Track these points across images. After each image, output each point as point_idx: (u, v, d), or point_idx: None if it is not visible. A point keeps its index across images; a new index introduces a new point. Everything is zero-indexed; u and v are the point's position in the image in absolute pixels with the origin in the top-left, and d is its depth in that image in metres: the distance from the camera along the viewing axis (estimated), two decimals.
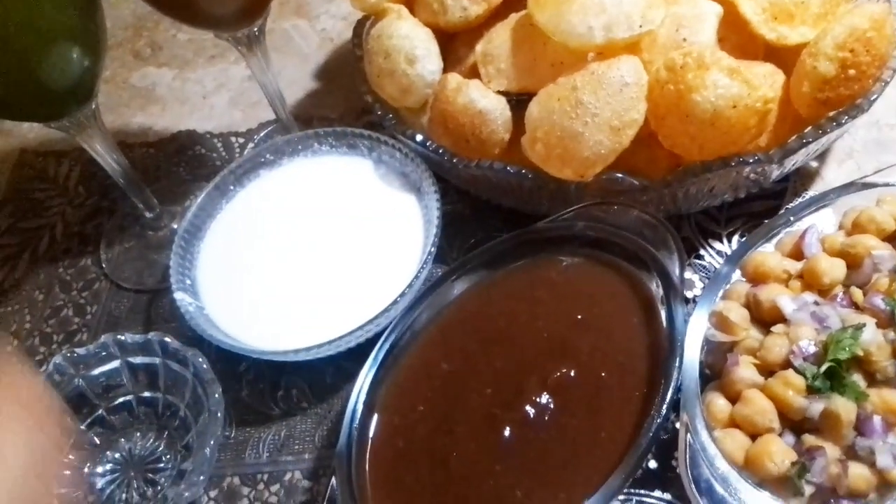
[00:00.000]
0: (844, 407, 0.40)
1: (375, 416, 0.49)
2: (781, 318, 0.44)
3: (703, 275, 0.57)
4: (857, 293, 0.44)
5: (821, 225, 0.50)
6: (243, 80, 0.82)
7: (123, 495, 0.54)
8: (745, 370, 0.44)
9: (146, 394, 0.57)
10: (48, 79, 0.52)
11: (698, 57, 0.47)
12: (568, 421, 0.46)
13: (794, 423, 0.42)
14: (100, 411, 0.57)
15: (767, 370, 0.43)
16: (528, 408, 0.46)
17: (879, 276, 0.45)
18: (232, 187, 0.63)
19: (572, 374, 0.47)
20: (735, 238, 0.58)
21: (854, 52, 0.48)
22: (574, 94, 0.50)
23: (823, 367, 0.41)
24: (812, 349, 0.42)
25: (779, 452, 0.41)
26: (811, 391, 0.41)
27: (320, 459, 0.54)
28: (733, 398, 0.44)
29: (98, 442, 0.57)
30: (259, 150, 0.64)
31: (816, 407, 0.41)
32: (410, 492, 0.46)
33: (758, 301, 0.46)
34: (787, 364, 0.43)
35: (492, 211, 0.62)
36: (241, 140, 0.76)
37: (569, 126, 0.50)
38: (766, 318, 0.45)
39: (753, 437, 0.42)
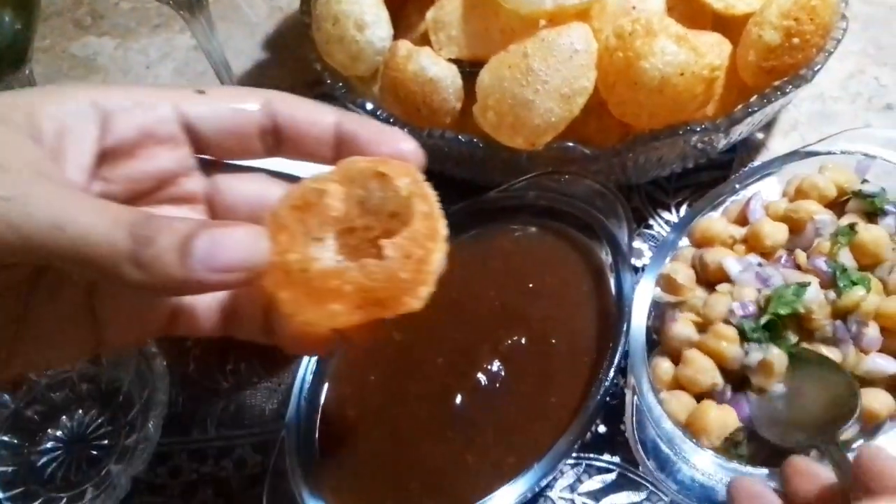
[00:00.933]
0: (779, 358, 0.41)
1: (325, 387, 0.48)
2: (727, 280, 0.45)
3: (652, 244, 0.58)
4: (801, 255, 0.45)
5: (765, 193, 0.51)
6: (188, 49, 0.79)
7: (66, 473, 0.53)
8: (682, 327, 0.44)
9: (88, 369, 0.56)
10: None
11: (647, 24, 0.47)
12: (519, 387, 0.46)
13: (737, 380, 0.43)
14: (39, 388, 0.55)
15: (708, 328, 0.44)
16: (479, 375, 0.46)
17: (821, 240, 0.46)
18: None
19: (523, 341, 0.47)
20: (683, 208, 0.59)
21: (798, 20, 0.49)
22: (525, 61, 0.49)
23: (763, 320, 0.42)
24: (752, 308, 0.43)
25: (714, 425, 0.42)
26: (749, 341, 0.42)
27: (271, 433, 0.53)
28: (674, 358, 0.44)
29: (37, 419, 0.55)
30: None
31: (754, 356, 0.42)
32: (360, 460, 0.45)
33: (704, 263, 0.46)
34: (728, 321, 0.43)
35: (445, 182, 0.61)
36: None
37: (520, 93, 0.50)
38: (711, 280, 0.46)
39: (698, 396, 0.43)
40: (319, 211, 0.32)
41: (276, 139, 0.36)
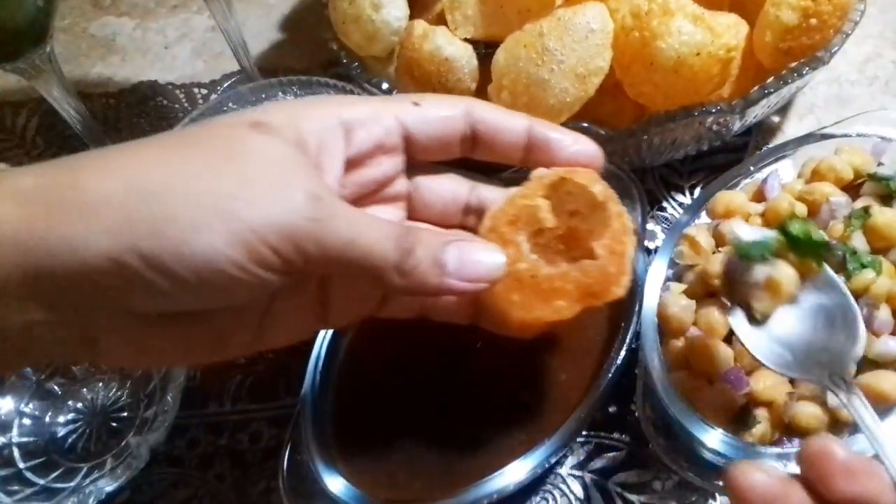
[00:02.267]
0: (788, 275, 0.38)
1: (340, 361, 0.49)
2: None
3: (665, 226, 0.58)
4: None
5: (781, 175, 0.51)
6: (206, 30, 0.80)
7: (86, 444, 0.54)
8: (673, 297, 0.45)
9: None
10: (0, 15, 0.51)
11: (663, 4, 0.47)
12: (530, 364, 0.46)
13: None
14: None
15: (706, 290, 0.45)
16: (491, 351, 0.46)
17: (835, 222, 0.45)
18: None
19: (541, 333, 0.47)
20: (697, 190, 0.59)
21: (816, 1, 0.49)
22: (540, 40, 0.49)
23: (771, 234, 0.39)
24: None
25: (720, 410, 0.42)
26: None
27: (286, 407, 0.54)
28: (669, 329, 0.45)
29: (59, 392, 0.56)
30: (221, 99, 0.63)
31: (759, 273, 0.38)
32: (374, 433, 0.46)
33: (719, 234, 0.46)
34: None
35: (457, 161, 0.61)
36: (204, 91, 0.75)
37: (535, 73, 0.50)
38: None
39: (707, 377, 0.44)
40: (528, 221, 0.38)
41: (473, 143, 0.40)
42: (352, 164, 0.38)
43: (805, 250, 0.38)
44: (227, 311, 0.34)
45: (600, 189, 0.38)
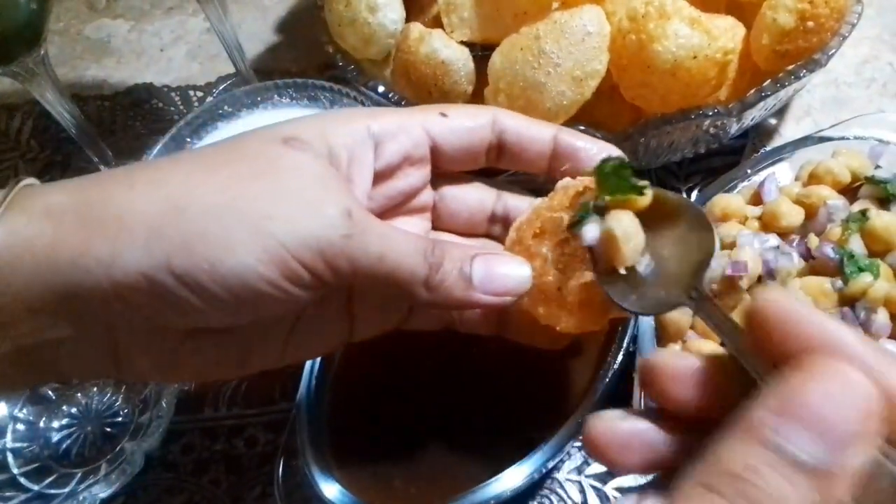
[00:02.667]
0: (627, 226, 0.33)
1: (335, 366, 0.49)
2: None
3: None
4: (814, 240, 0.45)
5: (778, 178, 0.51)
6: (202, 32, 0.79)
7: (80, 449, 0.54)
8: None
9: None
10: None
11: (660, 6, 0.47)
12: (526, 368, 0.46)
13: None
14: None
15: None
16: (488, 355, 0.46)
17: (833, 225, 0.45)
18: (189, 139, 0.62)
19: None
20: (694, 193, 0.59)
21: (813, 3, 0.48)
22: (537, 43, 0.49)
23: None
24: (744, 267, 0.43)
25: None
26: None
27: (282, 412, 0.54)
28: (666, 335, 0.45)
29: (53, 397, 0.56)
30: (217, 102, 0.63)
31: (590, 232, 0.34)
32: (370, 439, 0.46)
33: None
34: (723, 281, 0.44)
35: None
36: (200, 94, 0.74)
37: (531, 76, 0.50)
38: None
39: None
40: (554, 233, 0.37)
41: (499, 152, 0.40)
42: (380, 176, 0.37)
43: (619, 185, 0.34)
44: (255, 326, 0.34)
45: None
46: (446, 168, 0.40)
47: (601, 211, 0.35)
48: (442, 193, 0.41)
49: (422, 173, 0.39)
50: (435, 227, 0.42)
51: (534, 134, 0.39)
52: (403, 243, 0.33)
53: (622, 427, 0.27)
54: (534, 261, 0.36)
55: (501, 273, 0.35)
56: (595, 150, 0.39)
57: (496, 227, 0.42)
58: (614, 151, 0.39)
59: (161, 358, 0.33)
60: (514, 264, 0.35)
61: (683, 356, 0.27)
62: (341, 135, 0.35)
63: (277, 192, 0.31)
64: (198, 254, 0.29)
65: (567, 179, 0.38)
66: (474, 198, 0.42)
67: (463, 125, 0.39)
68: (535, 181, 0.53)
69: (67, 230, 0.29)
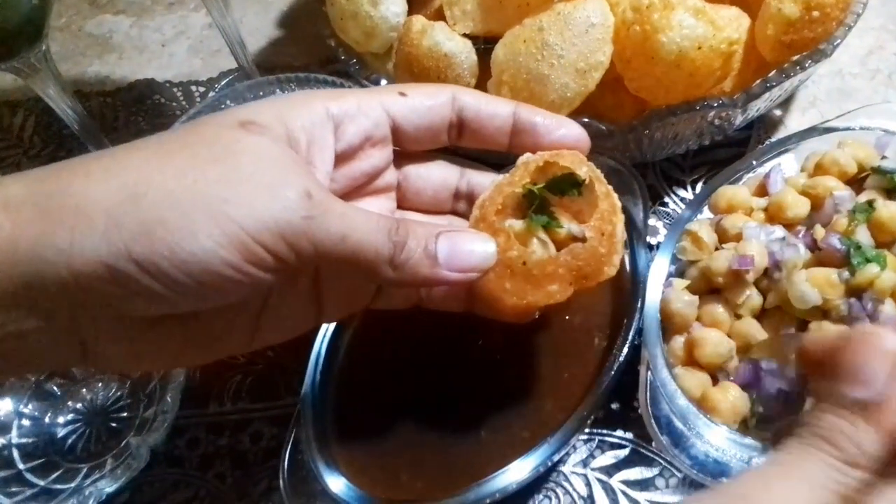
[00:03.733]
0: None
1: (340, 360, 0.49)
2: None
3: (667, 221, 0.57)
4: (820, 231, 0.45)
5: (783, 169, 0.50)
6: (203, 27, 0.79)
7: (86, 444, 0.54)
8: (675, 292, 0.45)
9: None
10: None
11: None
12: (532, 362, 0.46)
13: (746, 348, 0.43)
14: None
15: (709, 287, 0.44)
16: (492, 348, 0.46)
17: (839, 216, 0.45)
18: None
19: (537, 315, 0.47)
20: (699, 185, 0.59)
21: None
22: (540, 35, 0.49)
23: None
24: (751, 261, 0.43)
25: (728, 405, 0.42)
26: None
27: (286, 406, 0.54)
28: (671, 324, 0.44)
29: (58, 392, 0.56)
30: (219, 97, 0.63)
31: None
32: (375, 433, 0.46)
33: (723, 229, 0.46)
34: (728, 274, 0.43)
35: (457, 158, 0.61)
36: (202, 89, 0.74)
37: (535, 68, 0.49)
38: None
39: (711, 373, 0.43)
40: (516, 208, 0.38)
41: (460, 130, 0.40)
42: (341, 157, 0.38)
43: (560, 185, 0.39)
44: (221, 311, 0.34)
45: (586, 170, 0.38)
46: (408, 148, 0.41)
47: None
48: (406, 172, 0.42)
49: (383, 153, 0.40)
50: (400, 207, 0.42)
51: (493, 110, 0.40)
52: (366, 223, 0.33)
53: None
54: (498, 236, 0.37)
55: (466, 250, 0.35)
56: (554, 124, 0.40)
57: (461, 204, 0.43)
58: (573, 126, 0.40)
59: (128, 346, 0.33)
60: (478, 241, 0.36)
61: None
62: (299, 117, 0.35)
63: (235, 176, 0.31)
64: (157, 240, 0.29)
65: (527, 155, 0.39)
66: (438, 175, 0.42)
67: (423, 104, 0.39)
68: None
69: (25, 221, 0.29)
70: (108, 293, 0.29)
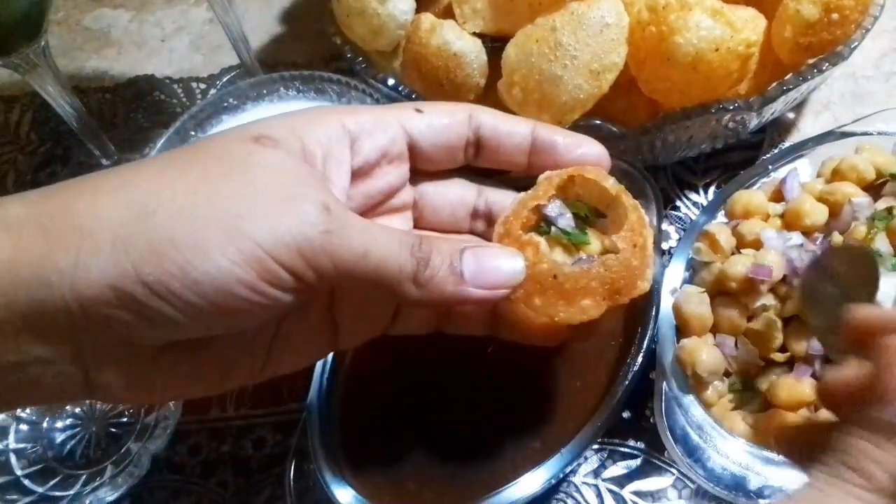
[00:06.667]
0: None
1: (346, 366, 0.48)
2: None
3: (679, 226, 0.56)
4: (838, 238, 0.44)
5: (799, 174, 0.50)
6: (204, 23, 0.78)
7: (85, 450, 0.52)
8: (690, 297, 0.44)
9: None
10: None
11: None
12: (544, 370, 0.45)
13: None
14: None
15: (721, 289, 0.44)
16: (503, 357, 0.45)
17: (857, 223, 0.44)
18: (193, 133, 0.60)
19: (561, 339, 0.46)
20: (711, 189, 0.58)
21: None
22: (553, 35, 0.48)
23: None
24: (768, 272, 0.42)
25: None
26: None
27: (290, 413, 0.53)
28: (689, 331, 0.44)
29: None
30: (221, 94, 0.62)
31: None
32: (382, 441, 0.45)
33: (739, 234, 0.45)
34: (744, 281, 0.43)
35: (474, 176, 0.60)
36: (203, 86, 0.73)
37: (547, 69, 0.48)
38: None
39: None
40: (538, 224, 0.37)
41: (477, 149, 0.39)
42: (357, 174, 0.36)
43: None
44: (234, 338, 0.33)
45: (612, 183, 0.37)
46: (425, 167, 0.39)
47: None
48: (422, 191, 0.40)
49: (400, 171, 0.38)
50: (417, 227, 0.41)
51: (511, 128, 0.39)
52: (388, 238, 0.32)
53: None
54: (525, 250, 0.35)
55: (493, 265, 0.34)
56: (574, 144, 0.39)
57: (478, 224, 0.41)
58: (593, 145, 0.39)
59: (135, 377, 0.31)
60: (505, 255, 0.34)
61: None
62: (314, 131, 0.34)
63: (249, 191, 0.30)
64: (168, 259, 0.28)
65: (549, 172, 0.38)
66: (456, 194, 0.41)
67: (440, 121, 0.38)
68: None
69: (27, 243, 0.27)
70: (115, 318, 0.28)
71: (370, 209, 0.38)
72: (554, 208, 0.37)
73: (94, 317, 0.28)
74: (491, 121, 0.39)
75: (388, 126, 0.37)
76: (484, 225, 0.41)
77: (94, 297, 0.27)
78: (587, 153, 0.38)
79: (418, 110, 0.38)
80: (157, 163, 0.32)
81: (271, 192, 0.30)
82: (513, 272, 0.34)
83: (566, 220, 0.37)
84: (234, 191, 0.30)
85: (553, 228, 0.37)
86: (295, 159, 0.32)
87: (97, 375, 0.30)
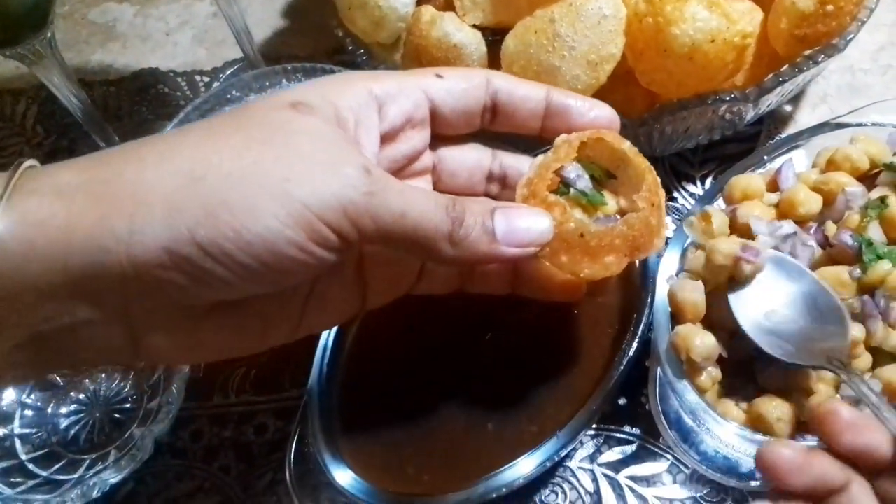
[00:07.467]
0: None
1: (346, 352, 0.48)
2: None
3: (676, 216, 0.57)
4: (832, 227, 0.44)
5: (795, 164, 0.50)
6: (208, 16, 0.79)
7: (89, 435, 0.53)
8: (685, 282, 0.44)
9: None
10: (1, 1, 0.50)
11: None
12: (540, 356, 0.46)
13: None
14: None
15: (713, 278, 0.44)
16: (500, 342, 0.46)
17: (851, 212, 0.45)
18: None
19: (545, 310, 0.47)
20: (708, 181, 0.58)
21: None
22: (552, 26, 0.48)
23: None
24: (755, 256, 0.42)
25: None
26: None
27: (292, 399, 0.53)
28: (683, 318, 0.44)
29: (61, 382, 0.56)
30: (225, 86, 0.62)
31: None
32: (382, 426, 0.45)
33: (735, 217, 0.46)
34: (734, 261, 0.42)
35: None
36: (206, 79, 0.74)
37: (546, 60, 0.49)
38: (740, 236, 0.45)
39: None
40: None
41: (494, 113, 0.40)
42: (384, 139, 0.37)
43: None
44: (273, 298, 0.34)
45: (628, 146, 0.39)
46: (444, 131, 0.40)
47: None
48: (441, 155, 0.41)
49: (423, 135, 0.39)
50: (436, 188, 0.42)
51: (526, 93, 0.40)
52: (424, 199, 0.33)
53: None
54: (552, 210, 0.36)
55: (523, 225, 0.35)
56: (587, 107, 0.40)
57: (493, 187, 0.42)
58: (604, 108, 0.40)
59: (182, 337, 0.32)
60: (534, 215, 0.36)
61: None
62: (345, 97, 0.35)
63: (294, 156, 0.31)
64: (222, 222, 0.29)
65: (565, 135, 0.39)
66: (472, 157, 0.42)
67: (459, 86, 0.39)
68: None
69: (81, 209, 0.28)
70: (168, 281, 0.29)
71: (394, 173, 0.39)
72: (573, 170, 0.38)
73: (147, 280, 0.29)
74: (507, 85, 0.40)
75: (411, 91, 0.38)
76: (498, 188, 0.42)
77: (150, 260, 0.28)
78: (599, 116, 0.40)
79: (438, 75, 0.39)
80: (197, 131, 0.32)
81: (314, 156, 0.31)
82: (542, 231, 0.35)
83: (584, 182, 0.38)
84: (279, 155, 0.30)
85: (572, 190, 0.38)
86: (330, 125, 0.33)
87: (146, 337, 0.31)
